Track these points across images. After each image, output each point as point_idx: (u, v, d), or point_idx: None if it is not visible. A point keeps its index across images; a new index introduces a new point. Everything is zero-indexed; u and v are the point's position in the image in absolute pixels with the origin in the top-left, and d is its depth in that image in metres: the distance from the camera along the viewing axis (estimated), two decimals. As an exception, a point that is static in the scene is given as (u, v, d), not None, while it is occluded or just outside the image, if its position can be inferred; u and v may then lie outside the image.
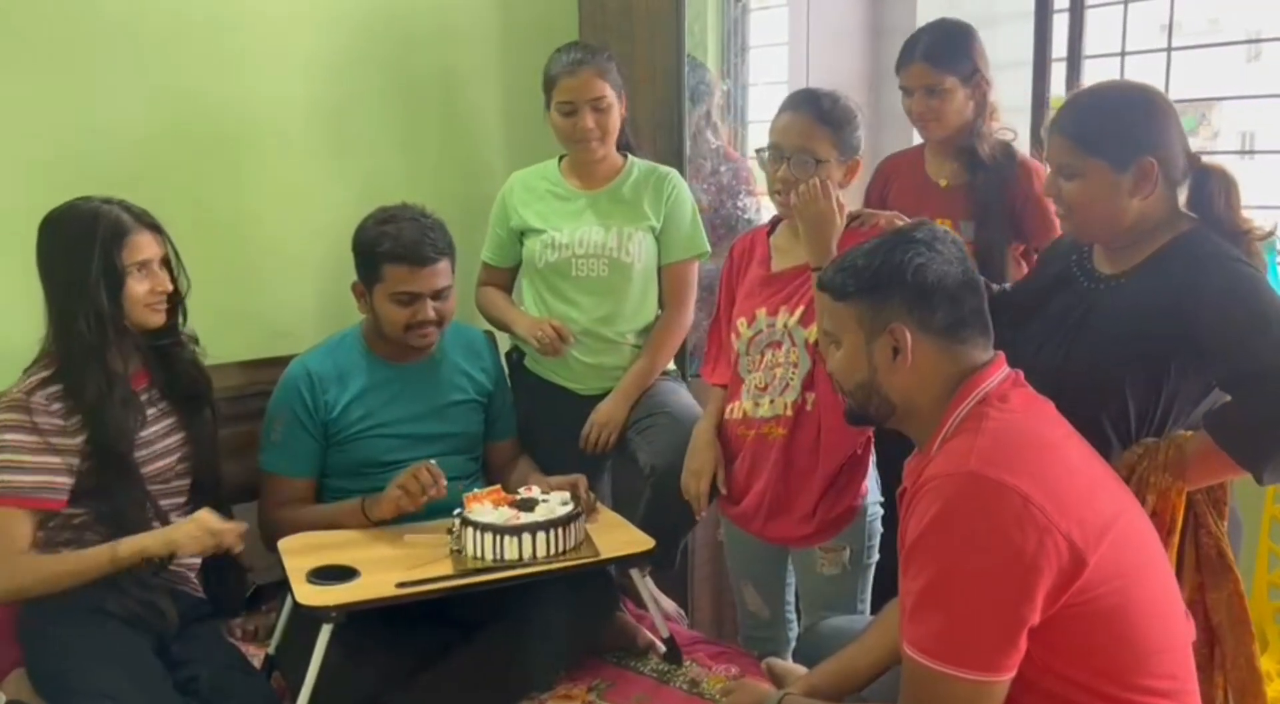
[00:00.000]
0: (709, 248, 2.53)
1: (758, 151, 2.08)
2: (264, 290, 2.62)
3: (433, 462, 2.07)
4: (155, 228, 1.93)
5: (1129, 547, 1.35)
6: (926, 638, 1.30)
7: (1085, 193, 1.65)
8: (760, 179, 3.06)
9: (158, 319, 1.95)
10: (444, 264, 2.17)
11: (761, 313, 2.07)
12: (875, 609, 2.07)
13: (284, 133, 2.61)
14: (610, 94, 2.37)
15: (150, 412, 1.98)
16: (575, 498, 2.04)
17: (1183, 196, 1.67)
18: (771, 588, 2.22)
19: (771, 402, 2.04)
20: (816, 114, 1.98)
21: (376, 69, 2.73)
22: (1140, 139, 1.61)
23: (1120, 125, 1.63)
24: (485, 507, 1.96)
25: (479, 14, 2.88)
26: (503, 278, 2.57)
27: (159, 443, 1.98)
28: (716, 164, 2.98)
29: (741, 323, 2.10)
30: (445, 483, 2.05)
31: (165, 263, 1.95)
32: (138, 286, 1.89)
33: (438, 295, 2.17)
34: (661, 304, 2.52)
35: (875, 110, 2.78)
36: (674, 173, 2.51)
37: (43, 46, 2.27)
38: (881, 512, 2.08)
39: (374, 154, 2.75)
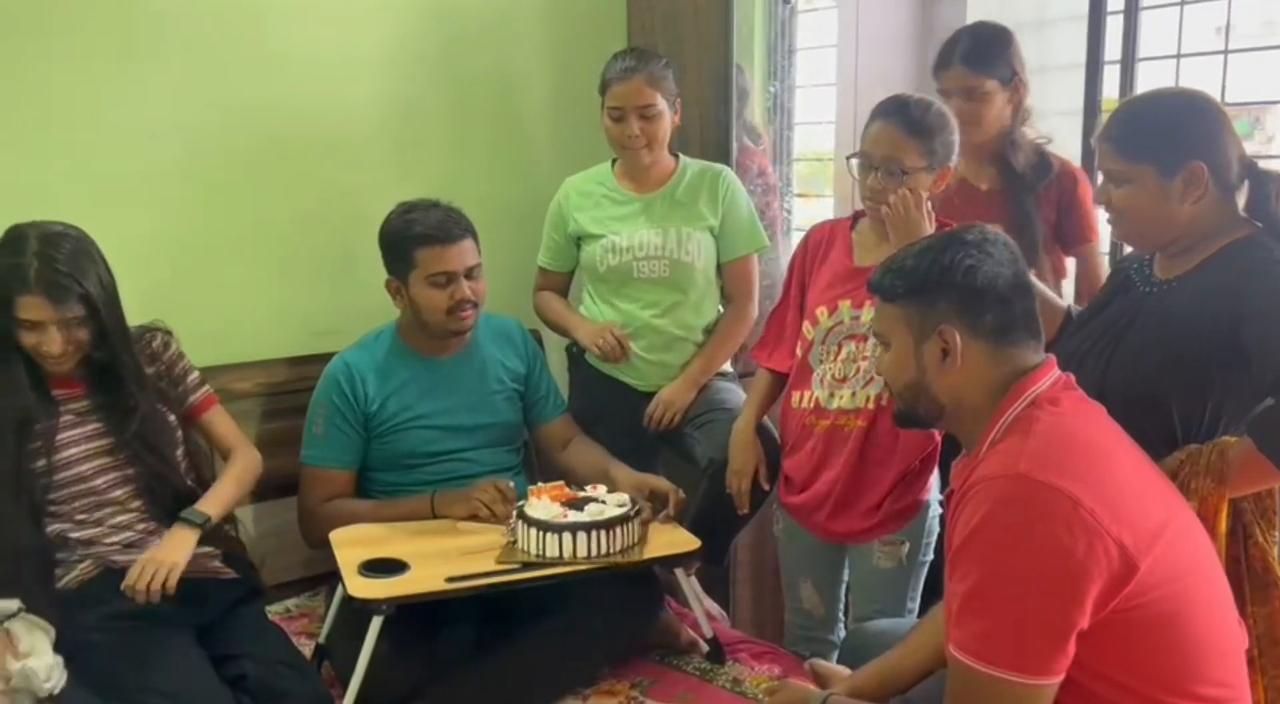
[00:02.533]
0: (767, 241, 2.55)
1: (847, 159, 2.08)
2: (313, 288, 2.66)
3: (512, 484, 2.12)
4: (59, 293, 1.81)
5: (1181, 551, 1.34)
6: (973, 640, 1.30)
7: (1134, 199, 1.64)
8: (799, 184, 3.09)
9: (53, 369, 1.90)
10: (470, 242, 2.22)
11: (845, 305, 2.08)
12: (924, 608, 2.07)
13: (334, 133, 2.65)
14: (660, 102, 2.38)
15: (68, 418, 1.93)
16: (633, 500, 2.05)
17: (1243, 201, 1.65)
18: (829, 586, 2.23)
19: (853, 394, 2.05)
20: (905, 124, 1.97)
21: (427, 71, 2.76)
22: (1188, 143, 1.60)
23: (1167, 130, 1.62)
24: (543, 502, 1.99)
25: (528, 16, 2.90)
26: (560, 282, 2.61)
27: (71, 449, 1.92)
28: (763, 165, 2.99)
29: (822, 312, 2.11)
30: (511, 508, 2.08)
31: (69, 323, 1.85)
32: (24, 338, 1.85)
33: (470, 274, 2.21)
34: (724, 300, 2.55)
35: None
36: (726, 170, 2.53)
37: (101, 49, 2.32)
38: (941, 510, 2.08)
39: (425, 155, 2.78)
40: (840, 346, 2.08)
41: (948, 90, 2.33)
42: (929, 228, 1.95)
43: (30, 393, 1.89)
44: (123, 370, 1.93)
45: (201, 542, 1.99)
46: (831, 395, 2.08)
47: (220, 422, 2.15)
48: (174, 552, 1.90)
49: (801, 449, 2.14)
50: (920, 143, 1.97)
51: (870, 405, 2.04)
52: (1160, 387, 1.61)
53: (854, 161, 2.05)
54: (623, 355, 2.42)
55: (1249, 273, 1.56)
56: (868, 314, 2.03)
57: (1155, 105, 1.70)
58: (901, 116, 1.98)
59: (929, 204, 1.98)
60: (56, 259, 1.83)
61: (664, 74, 2.40)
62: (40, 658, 1.71)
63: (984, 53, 2.30)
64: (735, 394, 2.48)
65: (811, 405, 2.11)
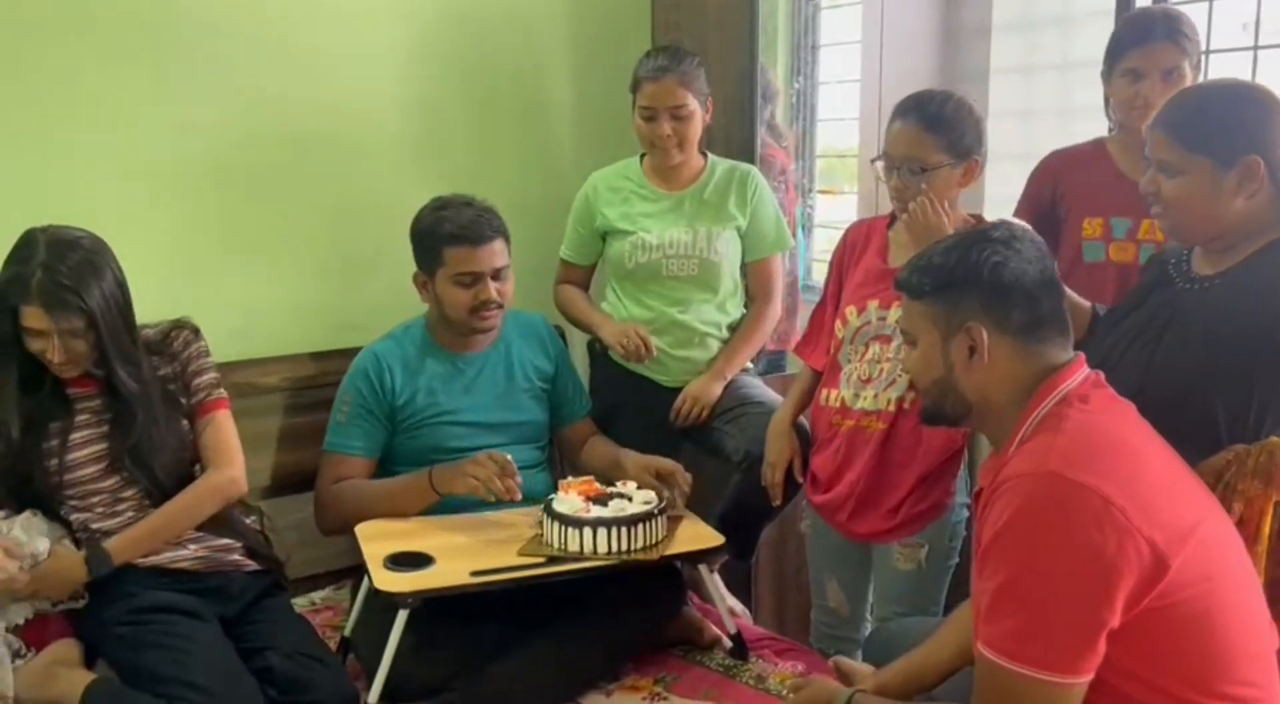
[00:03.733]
0: (793, 241, 2.55)
1: (872, 161, 2.07)
2: (338, 282, 2.68)
3: (509, 456, 2.08)
4: (59, 306, 1.82)
5: (1213, 551, 1.33)
6: (1002, 637, 1.29)
7: (1186, 191, 1.60)
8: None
9: (60, 374, 1.92)
10: (500, 243, 2.22)
11: (873, 305, 2.07)
12: (950, 608, 2.06)
13: (360, 130, 2.66)
14: (692, 103, 2.39)
15: (84, 417, 1.96)
16: (660, 494, 2.05)
17: None
18: (855, 585, 2.22)
19: (875, 396, 2.04)
20: (923, 120, 1.95)
21: (451, 67, 2.77)
22: (1246, 137, 1.57)
23: (1225, 122, 1.59)
24: (570, 496, 1.99)
25: (552, 13, 2.91)
26: (582, 275, 2.62)
27: (83, 449, 1.95)
28: (785, 163, 2.99)
29: (851, 311, 2.10)
30: (515, 482, 2.03)
31: (70, 333, 1.85)
32: (30, 344, 1.87)
33: (497, 275, 2.21)
34: (748, 299, 2.56)
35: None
36: (754, 170, 2.54)
37: (132, 48, 2.34)
38: (967, 514, 2.07)
39: (449, 151, 2.79)
40: (867, 347, 2.08)
41: (1143, 69, 2.09)
42: (949, 230, 1.91)
43: (37, 394, 1.91)
44: (119, 386, 1.92)
45: (222, 534, 2.02)
46: (857, 395, 2.07)
47: (214, 430, 2.06)
48: (56, 587, 1.88)
49: (827, 448, 2.14)
50: (939, 138, 1.95)
51: (891, 408, 2.03)
52: (1202, 385, 1.58)
53: (879, 164, 2.03)
54: (647, 355, 2.42)
55: None
56: (894, 314, 2.02)
57: (1216, 96, 1.66)
58: (918, 113, 1.96)
59: (951, 201, 1.97)
60: (60, 271, 1.82)
61: (696, 73, 2.40)
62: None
63: (1185, 32, 2.09)
64: (762, 389, 2.49)
65: (838, 404, 2.11)
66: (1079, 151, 2.29)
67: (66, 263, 1.84)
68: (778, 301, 2.54)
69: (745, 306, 2.57)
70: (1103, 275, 2.13)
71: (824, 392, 2.15)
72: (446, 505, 2.12)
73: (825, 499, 2.14)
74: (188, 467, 2.04)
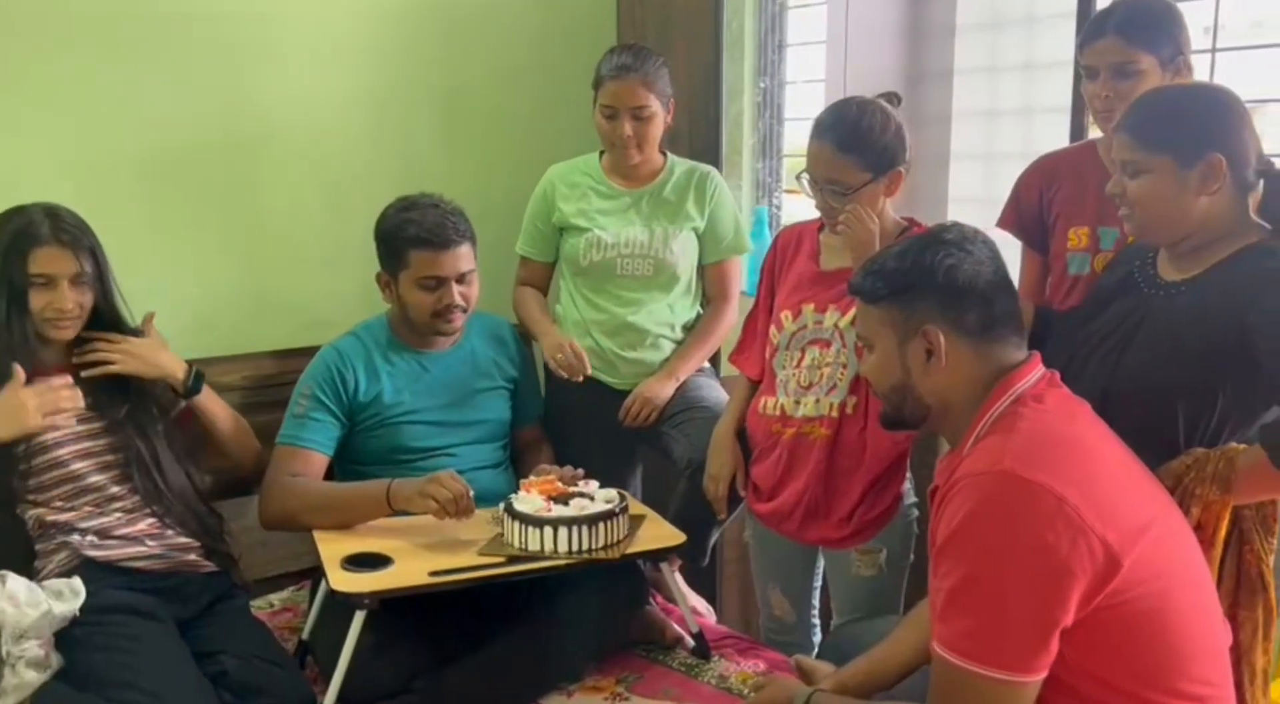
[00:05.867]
0: (752, 245, 2.54)
1: (797, 177, 2.04)
2: (302, 281, 2.66)
3: (470, 491, 1.99)
4: (74, 244, 1.89)
5: (1166, 550, 1.34)
6: (957, 637, 1.30)
7: (1150, 190, 1.60)
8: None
9: (58, 334, 1.93)
10: (466, 247, 2.20)
11: (809, 309, 2.05)
12: (908, 606, 2.06)
13: (324, 126, 2.65)
14: (654, 103, 2.37)
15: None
16: (621, 496, 2.03)
17: (1254, 204, 1.62)
18: (799, 592, 2.20)
19: (816, 401, 2.01)
20: (837, 141, 1.91)
21: (415, 64, 2.76)
22: (1207, 135, 1.57)
23: (1187, 121, 1.59)
24: (531, 495, 1.98)
25: (519, 8, 2.90)
26: (541, 273, 2.59)
27: (49, 433, 1.92)
28: (753, 161, 2.99)
29: (786, 316, 2.08)
30: (470, 502, 1.99)
31: (80, 280, 1.91)
32: (35, 299, 1.88)
33: (461, 279, 2.20)
34: (704, 301, 2.54)
35: (915, 111, 2.76)
36: (714, 171, 2.52)
37: (90, 41, 2.32)
38: (917, 513, 2.06)
39: (412, 147, 2.78)
40: (803, 352, 2.05)
41: (1094, 66, 1.98)
42: (877, 241, 1.88)
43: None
44: (123, 326, 1.99)
45: (184, 532, 2.01)
46: (797, 402, 2.04)
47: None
48: (148, 357, 2.02)
49: (768, 457, 2.10)
50: (857, 157, 1.91)
51: (834, 413, 2.00)
52: (1167, 389, 1.58)
53: (804, 179, 1.99)
54: (580, 370, 2.37)
55: (1262, 282, 1.53)
56: (830, 319, 2.01)
57: (1176, 96, 1.67)
58: (833, 134, 1.92)
59: (885, 204, 1.96)
60: (65, 219, 1.91)
61: (659, 74, 2.39)
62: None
63: (1143, 24, 1.95)
64: (714, 390, 2.47)
65: (777, 412, 2.07)
66: (1068, 154, 2.19)
67: (65, 216, 1.92)
68: (734, 304, 2.53)
69: (702, 307, 2.56)
70: (1085, 289, 2.03)
71: (761, 400, 2.12)
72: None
73: (771, 508, 2.10)
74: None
